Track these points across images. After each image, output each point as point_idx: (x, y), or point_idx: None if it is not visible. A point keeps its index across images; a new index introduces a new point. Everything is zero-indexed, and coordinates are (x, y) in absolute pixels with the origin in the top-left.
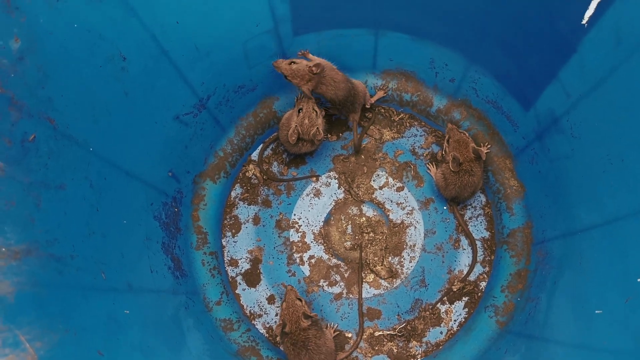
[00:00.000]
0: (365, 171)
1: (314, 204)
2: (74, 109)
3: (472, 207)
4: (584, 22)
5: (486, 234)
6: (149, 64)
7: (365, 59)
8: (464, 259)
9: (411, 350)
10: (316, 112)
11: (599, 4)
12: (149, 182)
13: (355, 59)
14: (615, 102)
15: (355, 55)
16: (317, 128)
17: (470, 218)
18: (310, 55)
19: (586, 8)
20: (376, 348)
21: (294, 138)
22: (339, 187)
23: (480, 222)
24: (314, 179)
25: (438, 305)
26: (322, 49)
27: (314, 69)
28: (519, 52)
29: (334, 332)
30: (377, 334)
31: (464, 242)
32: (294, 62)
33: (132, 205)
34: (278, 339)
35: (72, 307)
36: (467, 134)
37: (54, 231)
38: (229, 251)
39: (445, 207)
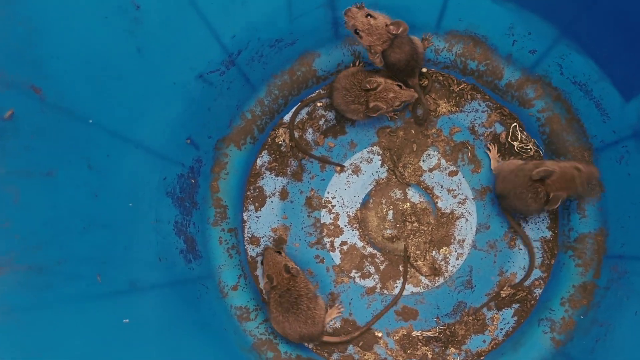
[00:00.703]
0: (414, 149)
1: (351, 182)
2: (71, 73)
3: None
4: None
5: (547, 234)
6: (170, 14)
7: (429, 15)
8: (520, 260)
9: (448, 357)
10: (398, 85)
11: None
12: (163, 154)
13: (417, 14)
14: None
15: (418, 9)
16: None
17: None
18: (369, 10)
19: None
20: (409, 351)
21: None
22: (382, 165)
23: (543, 219)
24: (338, 168)
25: (483, 310)
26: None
27: (392, 28)
28: (633, 26)
29: (337, 312)
30: (413, 334)
31: (522, 241)
32: (371, 16)
33: (141, 183)
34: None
35: (61, 327)
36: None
37: (37, 234)
38: (250, 227)
39: None
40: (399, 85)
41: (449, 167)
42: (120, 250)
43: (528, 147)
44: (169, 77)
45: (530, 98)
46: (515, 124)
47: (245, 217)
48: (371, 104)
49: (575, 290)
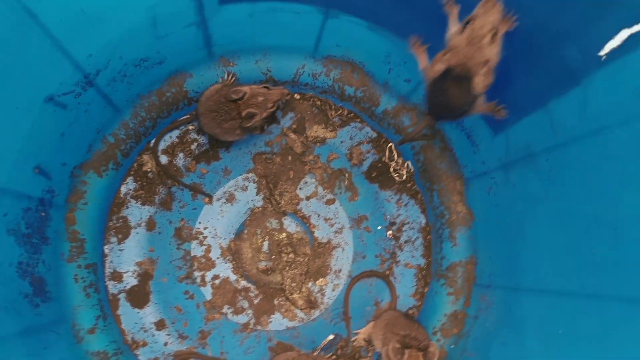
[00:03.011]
0: (291, 176)
1: (225, 212)
2: None
3: (410, 227)
4: (601, 53)
5: (422, 262)
6: (6, 30)
7: (306, 40)
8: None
9: None
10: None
11: (630, 36)
12: (3, 188)
13: (293, 38)
14: (621, 159)
15: (295, 34)
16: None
17: (406, 241)
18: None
19: (611, 37)
20: None
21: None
22: (257, 193)
23: (417, 248)
24: (206, 199)
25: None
26: (255, 24)
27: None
28: (503, 65)
29: None
30: None
31: (398, 270)
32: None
33: None
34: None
35: None
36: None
37: None
38: (111, 262)
39: (379, 227)
40: (265, 87)
41: (326, 195)
42: None
43: (402, 172)
44: (10, 100)
45: (406, 126)
46: (391, 144)
47: (106, 251)
48: (243, 113)
49: (447, 318)
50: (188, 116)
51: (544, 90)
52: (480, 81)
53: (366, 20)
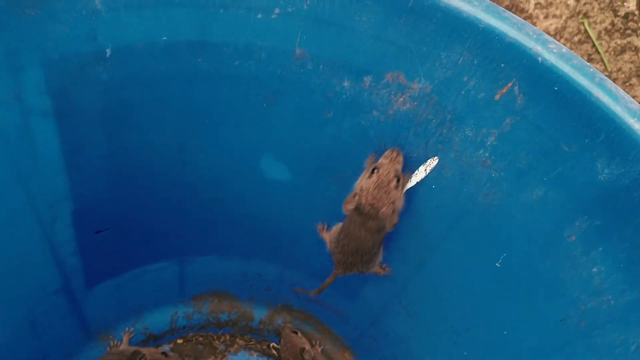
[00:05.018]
0: None
1: None
2: None
3: None
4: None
5: None
6: None
7: (170, 289)
8: None
9: None
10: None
11: (404, 194)
12: None
13: (159, 292)
14: (441, 280)
15: (159, 288)
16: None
17: None
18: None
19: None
20: None
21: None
22: None
23: None
24: None
25: None
26: (123, 293)
27: None
28: None
29: None
30: None
31: None
32: None
33: None
34: None
35: None
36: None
37: None
38: None
39: None
40: (163, 353)
41: None
42: None
43: None
44: None
45: (283, 323)
46: (272, 343)
47: None
48: None
49: None
50: None
51: None
52: (388, 221)
53: (215, 254)
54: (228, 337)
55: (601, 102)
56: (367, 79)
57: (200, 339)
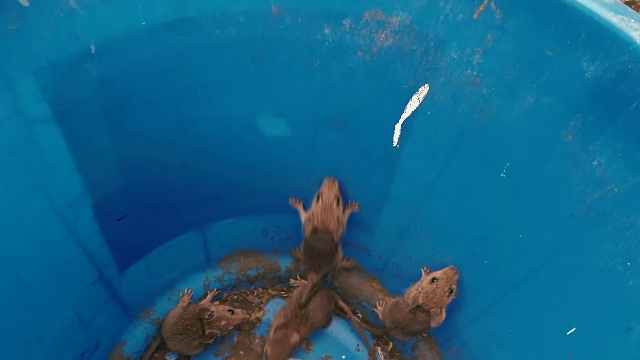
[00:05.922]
0: None
1: None
2: None
3: None
4: (395, 144)
5: None
6: None
7: (197, 257)
8: None
9: None
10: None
11: (402, 125)
12: None
13: (187, 262)
14: (451, 198)
15: (186, 258)
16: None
17: None
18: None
19: (393, 132)
20: None
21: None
22: None
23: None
24: None
25: None
26: (154, 270)
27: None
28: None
29: None
30: None
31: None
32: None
33: None
34: None
35: None
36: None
37: None
38: None
39: None
40: (230, 310)
41: None
42: None
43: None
44: None
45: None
46: None
47: None
48: (207, 332)
49: None
50: None
51: (382, 185)
52: (335, 232)
53: (234, 217)
54: (260, 290)
55: (577, 2)
56: (347, 22)
57: (235, 297)
